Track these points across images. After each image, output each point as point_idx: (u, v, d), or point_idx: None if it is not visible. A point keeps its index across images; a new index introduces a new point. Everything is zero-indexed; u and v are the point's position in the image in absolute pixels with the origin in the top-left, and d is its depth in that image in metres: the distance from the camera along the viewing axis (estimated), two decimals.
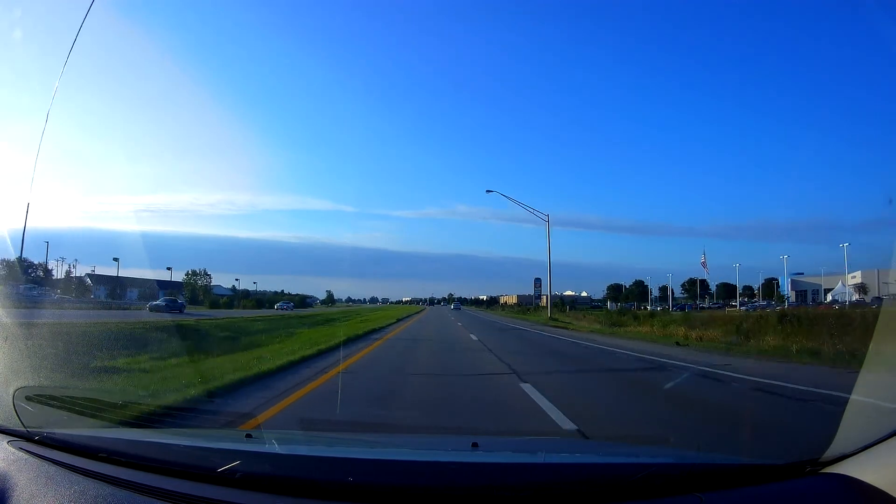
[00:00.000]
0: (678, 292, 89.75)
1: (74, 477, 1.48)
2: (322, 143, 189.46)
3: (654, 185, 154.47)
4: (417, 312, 54.98)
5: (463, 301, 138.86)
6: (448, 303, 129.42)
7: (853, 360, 8.93)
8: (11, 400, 1.92)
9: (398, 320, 31.64)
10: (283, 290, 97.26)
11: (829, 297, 60.15)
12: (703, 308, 67.25)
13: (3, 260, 29.05)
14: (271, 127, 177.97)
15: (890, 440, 1.39)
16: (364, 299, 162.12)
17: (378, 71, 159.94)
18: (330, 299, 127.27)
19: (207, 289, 69.40)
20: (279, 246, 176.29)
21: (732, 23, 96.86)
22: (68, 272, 59.00)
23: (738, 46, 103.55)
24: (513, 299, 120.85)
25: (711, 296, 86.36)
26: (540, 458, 2.18)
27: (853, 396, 2.17)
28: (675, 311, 47.33)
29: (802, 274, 74.69)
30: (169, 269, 60.13)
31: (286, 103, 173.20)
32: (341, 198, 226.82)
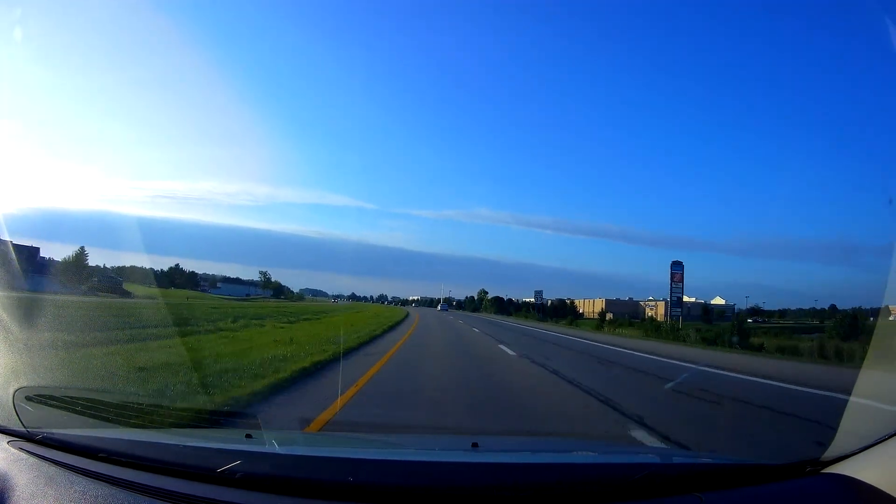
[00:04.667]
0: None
1: (74, 477, 1.48)
2: (344, 140, 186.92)
3: (670, 198, 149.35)
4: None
5: (511, 306, 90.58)
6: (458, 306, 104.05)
7: None
8: (11, 400, 1.91)
9: None
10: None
11: None
12: None
13: None
14: (293, 121, 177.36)
15: (890, 440, 1.39)
16: (371, 297, 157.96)
17: (403, 72, 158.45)
18: (275, 289, 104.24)
19: None
20: (297, 240, 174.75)
21: (755, 38, 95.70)
22: None
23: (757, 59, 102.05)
24: (596, 305, 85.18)
25: None
26: (540, 458, 2.18)
27: (853, 397, 2.18)
28: None
29: None
30: None
31: (309, 98, 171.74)
32: (362, 195, 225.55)
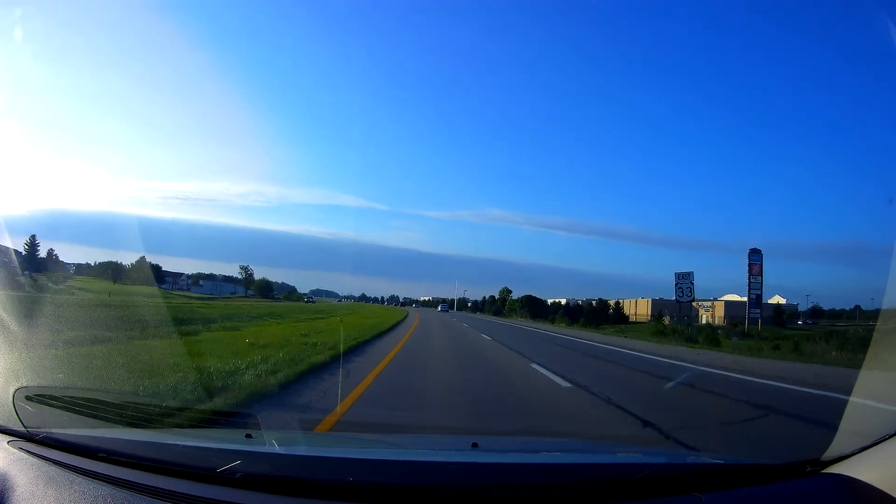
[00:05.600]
0: None
1: (74, 477, 1.48)
2: (356, 141, 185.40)
3: (683, 198, 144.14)
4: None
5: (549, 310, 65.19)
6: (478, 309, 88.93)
7: None
8: (11, 400, 1.91)
9: None
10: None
11: None
12: None
13: None
14: (305, 122, 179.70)
15: (889, 440, 1.39)
16: (382, 298, 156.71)
17: (415, 74, 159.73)
18: (262, 286, 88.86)
19: None
20: (308, 241, 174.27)
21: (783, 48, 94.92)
22: None
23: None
24: (639, 306, 67.88)
25: None
26: (540, 458, 2.18)
27: (852, 397, 2.18)
28: None
29: None
30: None
31: (321, 100, 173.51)
32: (373, 196, 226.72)
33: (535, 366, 9.92)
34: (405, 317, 35.71)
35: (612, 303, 66.06)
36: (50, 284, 44.22)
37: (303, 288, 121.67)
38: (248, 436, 1.95)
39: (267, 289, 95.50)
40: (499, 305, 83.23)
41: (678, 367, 11.38)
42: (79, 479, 1.47)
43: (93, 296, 33.30)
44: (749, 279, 30.18)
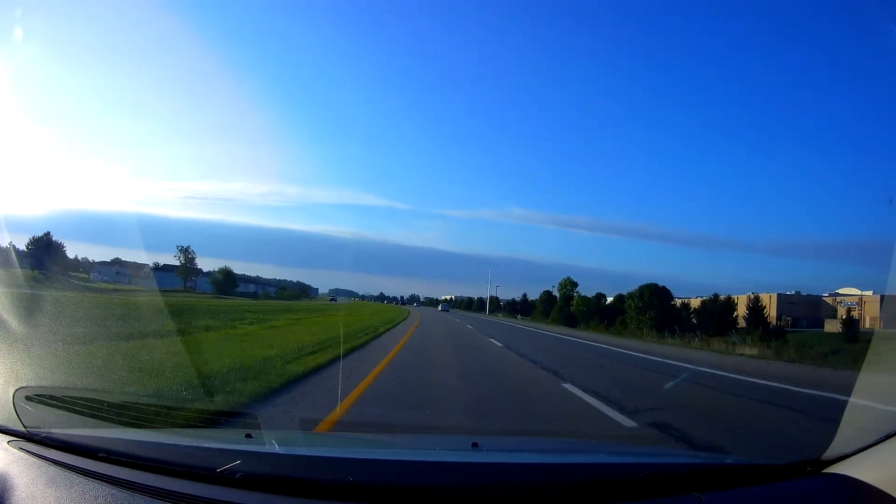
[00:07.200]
0: None
1: (74, 477, 1.48)
2: (376, 140, 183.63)
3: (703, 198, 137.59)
4: None
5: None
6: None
7: None
8: (11, 400, 1.91)
9: None
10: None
11: None
12: None
13: None
14: (325, 121, 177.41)
15: (889, 440, 1.39)
16: (402, 297, 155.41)
17: (436, 72, 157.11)
18: (222, 280, 66.32)
19: None
20: (328, 240, 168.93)
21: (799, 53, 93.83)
22: None
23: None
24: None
25: None
26: (540, 458, 2.18)
27: (852, 398, 2.18)
28: None
29: None
30: None
31: (340, 99, 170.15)
32: (394, 195, 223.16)
33: None
34: (386, 330, 18.98)
35: (741, 300, 41.32)
36: None
37: (324, 287, 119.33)
38: (249, 436, 1.95)
39: (227, 282, 69.23)
40: (562, 306, 52.82)
41: None
42: (79, 479, 1.47)
43: None
44: None
